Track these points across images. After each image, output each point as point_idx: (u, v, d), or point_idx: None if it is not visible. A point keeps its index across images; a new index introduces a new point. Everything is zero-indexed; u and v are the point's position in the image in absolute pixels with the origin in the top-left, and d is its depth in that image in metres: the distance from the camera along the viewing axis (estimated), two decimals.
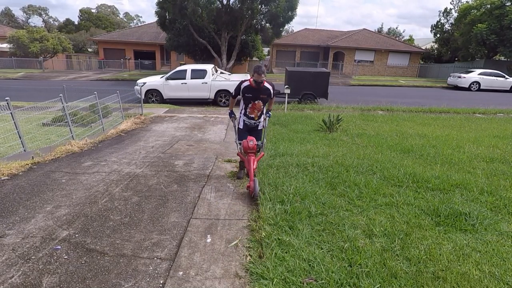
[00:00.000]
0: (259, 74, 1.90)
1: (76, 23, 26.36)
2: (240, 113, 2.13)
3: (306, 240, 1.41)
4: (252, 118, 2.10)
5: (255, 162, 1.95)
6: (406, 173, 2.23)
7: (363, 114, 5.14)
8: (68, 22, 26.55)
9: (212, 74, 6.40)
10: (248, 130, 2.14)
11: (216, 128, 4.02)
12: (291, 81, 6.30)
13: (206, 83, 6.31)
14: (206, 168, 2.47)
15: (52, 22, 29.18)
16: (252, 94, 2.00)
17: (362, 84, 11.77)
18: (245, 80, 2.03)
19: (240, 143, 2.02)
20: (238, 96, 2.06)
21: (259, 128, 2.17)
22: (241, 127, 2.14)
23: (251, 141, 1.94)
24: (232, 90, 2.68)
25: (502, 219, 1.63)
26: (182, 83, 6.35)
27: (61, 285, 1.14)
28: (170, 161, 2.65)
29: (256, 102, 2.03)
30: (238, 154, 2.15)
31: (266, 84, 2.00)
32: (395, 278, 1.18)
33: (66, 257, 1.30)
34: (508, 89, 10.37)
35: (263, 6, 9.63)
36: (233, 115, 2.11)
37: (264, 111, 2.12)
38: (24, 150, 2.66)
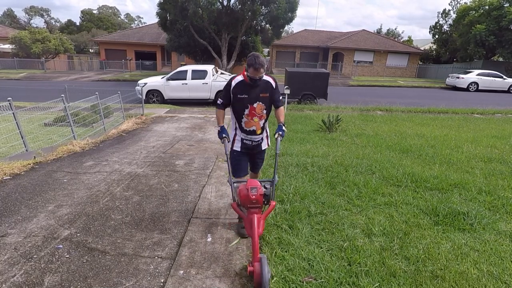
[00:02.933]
0: (255, 69, 1.24)
1: (78, 24, 26.46)
2: (234, 129, 1.42)
3: (306, 239, 1.42)
4: (253, 133, 1.37)
5: (262, 223, 1.14)
6: (405, 173, 2.24)
7: (362, 114, 5.15)
8: (69, 23, 26.64)
9: (213, 75, 6.42)
10: (248, 153, 1.41)
11: (217, 128, 4.03)
12: (290, 82, 6.32)
13: (207, 83, 6.34)
14: (207, 168, 2.48)
15: (53, 23, 29.25)
16: (248, 93, 1.31)
17: (361, 85, 11.78)
18: (236, 75, 1.37)
19: (235, 185, 1.21)
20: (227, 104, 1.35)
21: (263, 147, 1.43)
22: (237, 148, 1.39)
23: (254, 189, 1.10)
24: None
25: (500, 218, 1.64)
26: (182, 84, 6.37)
27: (63, 284, 1.15)
28: (171, 161, 2.66)
29: (255, 104, 1.33)
30: (232, 206, 1.23)
31: (266, 77, 1.34)
32: (394, 277, 1.18)
33: (67, 256, 1.31)
34: (506, 89, 10.41)
35: (263, 8, 9.66)
36: (224, 135, 1.33)
37: (267, 128, 1.41)
38: (26, 150, 2.67)
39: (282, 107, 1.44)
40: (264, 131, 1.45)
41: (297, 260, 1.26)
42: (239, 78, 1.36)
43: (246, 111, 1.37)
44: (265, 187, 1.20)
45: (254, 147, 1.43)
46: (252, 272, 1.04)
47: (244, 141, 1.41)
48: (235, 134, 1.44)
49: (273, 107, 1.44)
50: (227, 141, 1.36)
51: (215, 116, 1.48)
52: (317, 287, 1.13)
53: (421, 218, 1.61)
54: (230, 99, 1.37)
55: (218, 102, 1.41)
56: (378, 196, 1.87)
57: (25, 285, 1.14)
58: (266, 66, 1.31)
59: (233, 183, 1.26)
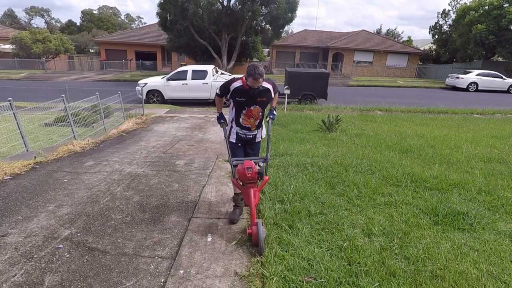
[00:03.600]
0: (254, 79, 1.32)
1: (78, 24, 26.47)
2: (231, 121, 1.54)
3: (306, 239, 1.42)
4: (248, 129, 1.51)
5: (257, 194, 1.40)
6: (404, 172, 2.25)
7: (362, 114, 5.15)
8: (70, 23, 26.65)
9: (213, 75, 6.44)
10: (242, 144, 1.56)
11: (217, 128, 4.01)
12: (290, 82, 6.33)
13: (207, 83, 6.35)
14: (207, 167, 2.48)
15: (54, 23, 29.26)
16: (246, 98, 1.42)
17: (361, 85, 11.79)
18: (236, 79, 1.44)
19: (234, 165, 1.43)
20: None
21: (257, 140, 1.57)
22: (233, 140, 1.53)
23: (249, 168, 1.33)
24: None
25: (499, 218, 1.64)
26: (183, 84, 6.38)
27: (63, 284, 1.15)
28: (171, 160, 2.67)
29: (252, 107, 1.45)
30: (232, 182, 1.49)
31: (264, 84, 1.41)
32: (394, 276, 1.19)
33: (68, 256, 1.32)
34: (506, 89, 10.42)
35: (263, 8, 9.67)
36: (222, 121, 1.50)
37: (263, 124, 1.54)
38: (27, 150, 2.68)
39: (276, 94, 1.56)
40: (260, 128, 1.59)
41: (297, 260, 1.27)
42: (238, 83, 1.44)
43: (244, 111, 1.50)
44: (258, 165, 1.45)
45: (248, 140, 1.58)
46: (250, 233, 1.36)
47: (239, 134, 1.56)
48: (231, 127, 1.56)
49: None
50: (225, 125, 1.52)
51: (215, 116, 1.64)
52: (317, 287, 1.13)
53: (421, 218, 1.62)
54: (227, 94, 1.49)
55: (217, 91, 1.54)
56: (378, 196, 1.87)
57: (25, 285, 1.14)
58: (264, 76, 1.38)
59: (232, 161, 1.48)
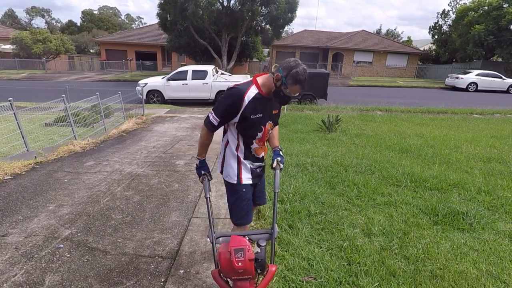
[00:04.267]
0: (303, 88, 0.85)
1: (79, 24, 26.47)
2: (235, 156, 0.96)
3: (306, 239, 1.42)
4: (261, 160, 1.00)
5: None
6: (404, 172, 2.25)
7: (362, 114, 5.15)
8: (70, 23, 26.62)
9: (213, 75, 6.42)
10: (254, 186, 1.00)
11: (195, 159, 4.01)
12: None
13: (207, 83, 6.34)
14: None
15: (54, 24, 29.27)
16: (264, 112, 0.91)
17: (361, 85, 11.78)
18: (245, 87, 0.89)
19: (220, 240, 0.80)
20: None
21: (263, 172, 1.04)
22: (249, 182, 0.97)
23: (239, 251, 0.70)
24: None
25: (499, 218, 1.64)
26: (183, 84, 6.38)
27: (64, 283, 1.16)
28: (171, 160, 2.67)
29: (267, 124, 0.95)
30: (213, 276, 0.79)
31: None
32: (394, 276, 1.19)
33: (68, 255, 1.32)
34: (505, 89, 10.42)
35: (263, 8, 9.67)
36: (204, 172, 0.97)
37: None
38: (27, 150, 2.68)
39: (277, 127, 1.06)
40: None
41: (297, 260, 1.27)
42: (254, 91, 0.88)
43: (259, 135, 0.93)
44: (258, 245, 0.78)
45: (262, 172, 1.02)
46: None
47: (252, 169, 0.98)
48: (240, 164, 0.96)
49: None
50: (207, 180, 0.94)
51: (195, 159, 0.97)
52: (317, 287, 1.13)
53: (421, 218, 1.62)
54: (236, 117, 0.89)
55: (213, 121, 0.91)
56: (377, 196, 1.87)
57: (26, 285, 1.14)
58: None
59: (216, 238, 0.82)
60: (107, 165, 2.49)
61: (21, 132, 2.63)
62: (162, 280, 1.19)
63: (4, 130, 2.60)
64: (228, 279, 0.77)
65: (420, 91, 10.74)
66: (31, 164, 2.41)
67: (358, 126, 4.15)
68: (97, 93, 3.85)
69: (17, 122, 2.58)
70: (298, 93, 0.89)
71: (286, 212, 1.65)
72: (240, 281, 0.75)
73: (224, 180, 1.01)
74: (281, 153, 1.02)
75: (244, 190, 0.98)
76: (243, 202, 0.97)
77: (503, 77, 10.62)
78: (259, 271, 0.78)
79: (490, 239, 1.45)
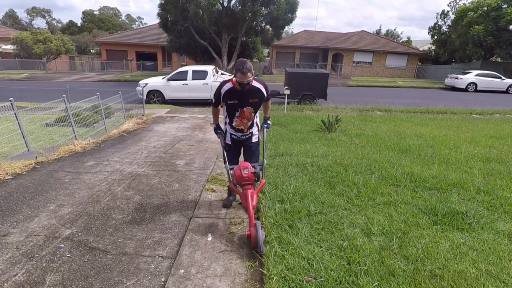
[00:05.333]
0: (243, 74, 1.31)
1: (79, 24, 26.56)
2: (225, 124, 1.58)
3: (306, 238, 1.43)
4: (241, 131, 1.54)
5: (255, 197, 1.41)
6: (404, 172, 2.26)
7: (361, 114, 5.16)
8: (71, 23, 26.74)
9: (213, 75, 6.47)
10: (238, 146, 1.60)
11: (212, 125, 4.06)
12: (290, 82, 6.34)
13: (207, 84, 6.37)
14: (207, 167, 2.49)
15: (55, 24, 29.32)
16: (238, 99, 1.43)
17: (360, 85, 11.81)
18: (225, 81, 1.43)
19: (231, 169, 1.46)
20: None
21: (253, 140, 1.59)
22: (228, 141, 1.58)
23: (245, 169, 1.38)
24: None
25: (498, 218, 1.65)
26: (183, 84, 6.40)
27: (64, 283, 1.16)
28: (172, 160, 2.67)
29: (245, 109, 1.46)
30: (229, 186, 1.58)
31: (255, 84, 1.42)
32: (393, 276, 1.19)
33: (69, 255, 1.32)
34: (505, 90, 10.46)
35: (264, 9, 9.69)
36: (219, 131, 1.55)
37: (257, 120, 1.57)
38: (28, 150, 2.68)
39: (269, 101, 1.59)
40: (253, 126, 1.60)
41: (296, 260, 1.27)
42: (228, 85, 1.44)
43: (237, 114, 1.50)
44: (254, 167, 1.48)
45: (243, 141, 1.60)
46: (249, 235, 1.36)
47: (233, 136, 1.59)
48: (226, 130, 1.60)
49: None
50: (222, 135, 1.58)
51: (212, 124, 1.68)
52: (316, 286, 1.14)
53: (420, 218, 1.62)
54: (220, 101, 1.49)
55: (212, 99, 1.57)
56: (377, 196, 1.88)
57: (26, 284, 1.15)
58: (253, 71, 1.37)
59: (229, 168, 1.50)
60: (108, 165, 2.50)
61: (21, 132, 2.64)
62: (163, 279, 1.19)
63: (5, 130, 2.61)
64: (238, 186, 1.44)
65: (420, 91, 10.76)
66: (31, 164, 2.41)
67: (357, 126, 4.16)
68: (98, 93, 3.86)
69: (18, 122, 2.59)
70: (244, 80, 1.36)
71: (286, 212, 1.66)
72: (246, 185, 1.41)
73: None
74: (268, 121, 1.61)
75: (226, 147, 1.61)
76: (227, 152, 1.60)
77: (502, 77, 10.65)
78: (256, 180, 1.45)
79: (490, 238, 1.45)
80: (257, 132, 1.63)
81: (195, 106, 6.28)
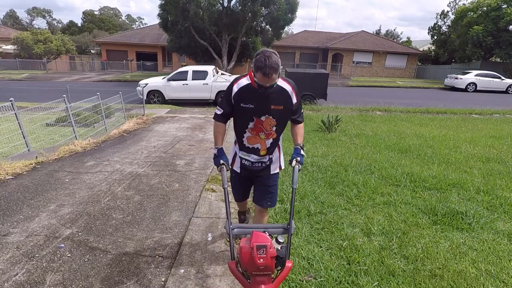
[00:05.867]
0: (265, 75, 0.86)
1: (79, 25, 26.57)
2: (234, 143, 1.08)
3: (305, 238, 1.43)
4: (256, 152, 1.01)
5: None
6: (403, 172, 2.26)
7: (361, 114, 5.17)
8: (71, 24, 26.75)
9: (213, 75, 6.45)
10: (247, 179, 1.07)
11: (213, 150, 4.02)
12: None
13: (207, 84, 6.36)
14: (207, 167, 2.49)
15: (55, 24, 29.36)
16: (256, 103, 0.95)
17: (360, 85, 11.82)
18: (240, 77, 0.98)
19: (235, 234, 0.83)
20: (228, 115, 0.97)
21: (272, 171, 1.06)
22: (236, 169, 1.06)
23: (261, 248, 0.71)
24: None
25: (498, 218, 1.65)
26: (183, 84, 6.40)
27: (65, 283, 1.16)
28: (172, 160, 2.67)
29: (264, 118, 0.96)
30: (230, 268, 0.80)
31: (282, 83, 0.95)
32: (393, 276, 1.19)
33: (69, 255, 1.32)
34: (504, 90, 10.47)
35: (264, 9, 9.71)
36: (223, 161, 0.96)
37: (276, 137, 0.99)
38: (28, 150, 2.69)
39: (302, 124, 1.05)
40: (275, 151, 1.04)
41: (296, 259, 1.27)
42: (244, 81, 0.96)
43: (251, 125, 0.97)
44: (277, 241, 0.79)
45: (257, 171, 1.03)
46: None
47: (243, 161, 1.03)
48: (235, 155, 1.06)
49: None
50: (225, 170, 0.94)
51: (212, 149, 0.99)
52: (316, 286, 1.14)
53: (420, 218, 1.62)
54: (231, 104, 0.97)
55: (217, 111, 1.00)
56: (377, 196, 1.88)
57: (27, 284, 1.15)
58: (280, 68, 0.88)
59: (232, 229, 0.83)
60: (108, 165, 2.50)
61: (22, 132, 2.64)
62: (163, 279, 1.19)
63: (6, 130, 2.61)
64: (245, 272, 0.78)
65: (419, 91, 10.76)
66: (32, 164, 2.41)
67: (357, 126, 4.16)
68: (98, 93, 3.87)
69: (18, 122, 2.59)
70: (266, 83, 0.88)
71: (286, 211, 1.66)
72: (259, 277, 0.76)
73: None
74: (302, 151, 1.00)
75: (233, 173, 1.14)
76: (232, 181, 1.17)
77: (502, 77, 10.66)
78: (278, 267, 0.79)
79: (489, 238, 1.45)
80: (278, 160, 1.06)
81: (195, 106, 6.27)
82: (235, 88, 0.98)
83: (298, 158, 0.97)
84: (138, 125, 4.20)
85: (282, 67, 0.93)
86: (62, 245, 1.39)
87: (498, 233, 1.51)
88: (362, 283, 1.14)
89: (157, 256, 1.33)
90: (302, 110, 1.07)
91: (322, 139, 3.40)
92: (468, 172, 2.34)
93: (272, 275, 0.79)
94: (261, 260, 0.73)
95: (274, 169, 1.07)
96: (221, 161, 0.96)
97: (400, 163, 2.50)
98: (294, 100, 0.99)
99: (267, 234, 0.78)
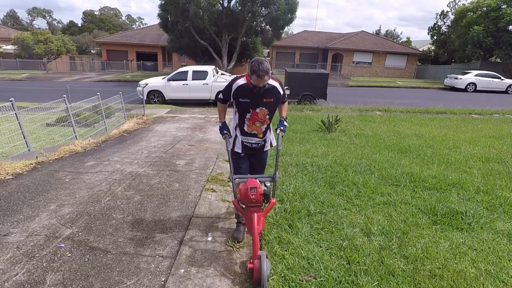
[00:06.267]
0: (259, 77, 1.15)
1: (80, 25, 26.61)
2: (235, 128, 1.35)
3: (305, 238, 1.43)
4: (254, 135, 1.32)
5: (262, 220, 1.17)
6: (403, 172, 2.26)
7: (361, 114, 5.17)
8: (71, 24, 26.78)
9: (213, 75, 6.47)
10: (249, 154, 1.35)
11: (217, 128, 3.98)
12: (290, 82, 6.36)
13: (207, 84, 6.38)
14: (207, 167, 2.50)
15: (56, 24, 29.43)
16: (251, 98, 1.25)
17: (360, 85, 11.84)
18: (238, 77, 1.28)
19: (236, 181, 1.21)
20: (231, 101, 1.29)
21: (265, 149, 1.38)
22: (238, 150, 1.34)
23: (253, 188, 1.08)
24: None
25: (497, 217, 1.65)
26: (183, 84, 6.41)
27: (65, 283, 1.16)
28: (172, 160, 2.68)
29: (258, 110, 1.26)
30: (233, 203, 1.25)
31: (271, 81, 1.25)
32: (393, 275, 1.20)
33: (69, 255, 1.33)
34: (504, 90, 10.48)
35: (263, 9, 9.73)
36: (226, 131, 1.29)
37: (269, 122, 1.30)
38: (29, 150, 2.69)
39: (286, 103, 1.40)
40: (269, 132, 1.38)
41: (296, 259, 1.28)
42: (241, 81, 1.27)
43: (248, 115, 1.30)
44: (265, 185, 1.22)
45: (255, 149, 1.37)
46: (251, 268, 1.09)
47: (245, 143, 1.35)
48: (236, 136, 1.36)
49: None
50: (228, 137, 1.31)
51: (215, 116, 1.52)
52: (316, 286, 1.14)
53: (420, 218, 1.63)
54: (230, 97, 1.31)
55: (220, 96, 1.36)
56: (377, 196, 1.88)
57: (27, 284, 1.15)
58: (271, 71, 1.19)
59: (234, 179, 1.24)
60: (108, 165, 2.50)
61: (22, 132, 2.64)
62: (163, 279, 1.20)
63: (6, 130, 2.61)
64: (243, 205, 1.19)
65: (419, 91, 10.78)
66: (32, 164, 2.42)
67: (357, 126, 4.16)
68: (98, 93, 3.87)
69: (19, 122, 2.59)
70: (260, 83, 1.20)
71: (286, 211, 1.66)
72: (253, 207, 1.16)
73: None
74: (285, 122, 1.34)
75: (234, 155, 1.37)
76: (234, 162, 1.37)
77: (502, 77, 10.67)
78: (265, 201, 1.17)
79: (489, 238, 1.46)
80: (269, 139, 1.39)
81: (195, 106, 6.27)
82: (235, 86, 1.30)
83: (282, 128, 1.33)
84: (138, 125, 4.21)
85: (272, 72, 1.26)
86: (62, 245, 1.39)
87: (498, 233, 1.51)
88: (362, 283, 1.14)
89: (157, 256, 1.33)
90: (286, 95, 1.38)
91: (322, 139, 3.40)
92: (468, 172, 2.35)
93: (262, 208, 1.19)
94: (253, 196, 1.11)
95: (267, 147, 1.42)
96: (225, 131, 1.32)
97: (400, 163, 2.51)
98: (281, 92, 1.33)
99: (258, 180, 1.17)
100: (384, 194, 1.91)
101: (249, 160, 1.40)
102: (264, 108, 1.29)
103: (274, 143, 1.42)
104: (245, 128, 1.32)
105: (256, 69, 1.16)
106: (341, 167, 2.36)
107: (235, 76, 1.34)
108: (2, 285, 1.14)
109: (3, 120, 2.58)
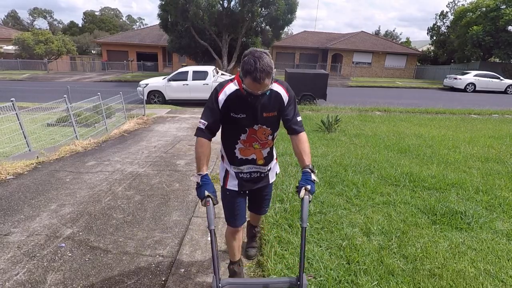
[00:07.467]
0: (256, 80, 0.72)
1: (80, 25, 26.65)
2: (221, 159, 0.94)
3: (305, 238, 1.44)
4: (252, 162, 0.90)
5: None
6: (403, 172, 2.26)
7: (361, 114, 5.18)
8: (72, 24, 26.83)
9: (213, 76, 6.49)
10: (243, 196, 0.94)
11: (195, 177, 4.01)
12: (290, 83, 6.19)
13: (207, 84, 6.39)
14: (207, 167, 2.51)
15: (56, 25, 29.45)
16: (246, 112, 0.81)
17: (360, 86, 11.85)
18: (225, 83, 0.82)
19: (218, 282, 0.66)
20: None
21: (270, 180, 0.96)
22: (233, 188, 0.91)
23: None
24: None
25: (497, 217, 1.65)
26: (183, 84, 6.43)
27: (65, 282, 1.17)
28: (172, 160, 2.68)
29: (256, 127, 0.85)
30: None
31: (275, 86, 0.82)
32: (392, 275, 1.20)
33: (70, 254, 1.33)
34: (503, 90, 10.48)
35: (263, 9, 9.75)
36: (209, 193, 0.79)
37: (272, 145, 0.88)
38: (29, 150, 2.70)
39: (304, 134, 0.85)
40: (273, 159, 0.93)
41: (296, 259, 1.28)
42: (232, 87, 0.80)
43: (243, 136, 0.84)
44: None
45: (257, 182, 0.90)
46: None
47: (241, 175, 0.89)
48: (226, 171, 0.91)
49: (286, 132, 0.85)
50: (212, 204, 0.77)
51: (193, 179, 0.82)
52: (316, 286, 1.14)
53: (419, 217, 1.63)
54: (219, 120, 0.81)
55: (200, 125, 0.81)
56: (376, 196, 1.89)
57: (28, 283, 1.15)
58: (274, 71, 0.73)
59: (222, 287, 0.66)
60: (109, 165, 2.51)
61: (23, 132, 2.65)
62: (163, 279, 1.20)
63: (7, 130, 2.62)
64: None
65: (419, 91, 10.78)
66: (33, 164, 2.42)
67: (357, 126, 4.16)
68: (99, 93, 3.88)
69: (19, 122, 2.60)
70: (257, 90, 0.72)
71: (286, 211, 1.66)
72: None
73: None
74: (312, 176, 0.78)
75: (227, 193, 0.91)
76: (228, 204, 0.91)
77: (501, 77, 10.68)
78: None
79: (488, 238, 1.46)
80: (275, 167, 0.96)
81: (195, 106, 6.28)
82: (221, 96, 0.80)
83: (309, 187, 0.75)
84: (138, 125, 4.21)
85: (275, 69, 0.76)
86: (63, 245, 1.40)
87: (497, 232, 1.51)
88: (362, 283, 1.14)
89: (157, 256, 1.34)
90: (300, 117, 0.85)
91: (322, 139, 3.40)
92: (467, 172, 2.35)
93: None
94: None
95: (272, 177, 0.96)
96: (206, 193, 0.75)
97: (400, 163, 2.51)
98: (286, 99, 0.82)
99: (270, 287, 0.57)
100: (383, 194, 1.91)
101: (246, 198, 0.95)
102: (264, 126, 0.83)
103: (278, 170, 0.97)
104: (237, 153, 0.86)
105: (252, 68, 0.70)
106: (340, 167, 2.36)
107: (218, 83, 0.84)
108: (3, 284, 1.14)
109: (4, 120, 2.59)
